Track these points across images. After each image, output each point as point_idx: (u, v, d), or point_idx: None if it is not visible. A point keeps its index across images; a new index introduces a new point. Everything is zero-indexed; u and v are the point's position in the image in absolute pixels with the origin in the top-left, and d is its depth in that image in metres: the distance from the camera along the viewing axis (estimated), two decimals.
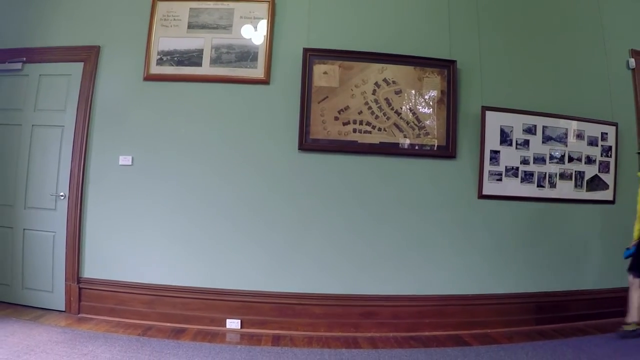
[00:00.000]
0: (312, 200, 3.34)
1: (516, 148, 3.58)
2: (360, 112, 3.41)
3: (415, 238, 3.40)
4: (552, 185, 3.65)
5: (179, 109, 3.39)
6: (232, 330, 3.21)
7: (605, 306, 3.70)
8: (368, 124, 3.41)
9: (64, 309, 3.37)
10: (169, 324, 3.24)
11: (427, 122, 3.48)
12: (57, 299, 3.39)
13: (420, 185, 3.44)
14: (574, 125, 3.71)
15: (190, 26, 3.45)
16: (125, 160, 3.38)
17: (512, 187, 3.57)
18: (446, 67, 3.50)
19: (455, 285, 3.43)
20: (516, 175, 3.58)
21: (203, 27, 3.44)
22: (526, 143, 3.60)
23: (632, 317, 3.21)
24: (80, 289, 3.35)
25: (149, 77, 3.42)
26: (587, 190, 3.74)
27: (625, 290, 3.78)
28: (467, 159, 3.52)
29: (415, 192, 3.43)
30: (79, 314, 3.34)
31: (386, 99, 3.45)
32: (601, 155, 3.77)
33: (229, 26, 3.44)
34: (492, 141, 3.53)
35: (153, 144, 3.38)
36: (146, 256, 3.33)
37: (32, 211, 3.47)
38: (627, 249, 3.36)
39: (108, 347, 2.73)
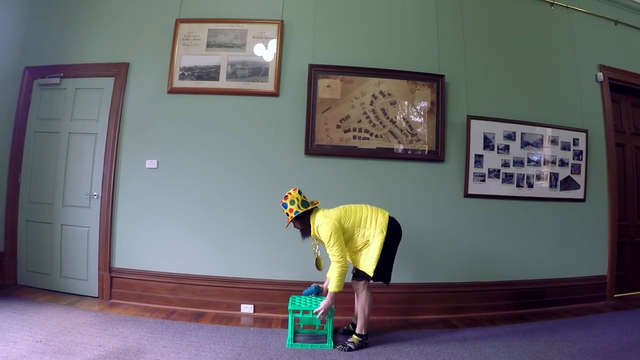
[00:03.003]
0: (317, 198, 3.33)
1: (498, 152, 3.58)
2: (359, 121, 3.41)
3: (408, 232, 3.37)
4: (530, 185, 3.65)
5: (199, 118, 3.40)
6: (246, 314, 3.21)
7: (577, 293, 3.70)
8: (366, 131, 3.41)
9: (97, 295, 3.37)
10: (190, 309, 3.24)
11: (419, 130, 3.47)
12: (91, 286, 3.39)
13: (412, 185, 3.43)
14: (548, 132, 3.70)
15: (209, 45, 3.45)
16: (151, 163, 3.38)
17: (494, 187, 3.56)
18: (435, 80, 3.49)
19: (444, 274, 3.42)
20: (498, 177, 3.57)
21: (220, 46, 3.45)
22: (506, 148, 3.60)
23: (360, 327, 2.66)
24: (111, 277, 3.35)
25: (172, 90, 3.42)
26: (560, 190, 3.73)
27: (595, 279, 3.79)
28: (454, 162, 3.51)
29: (407, 192, 3.42)
30: (110, 299, 3.34)
31: (382, 109, 3.45)
32: (573, 159, 3.76)
33: (243, 45, 3.45)
34: (477, 146, 3.53)
35: (176, 149, 3.38)
36: (170, 248, 3.33)
37: (69, 209, 3.47)
38: (308, 288, 2.81)
39: (136, 329, 2.74)
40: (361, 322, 2.64)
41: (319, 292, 2.79)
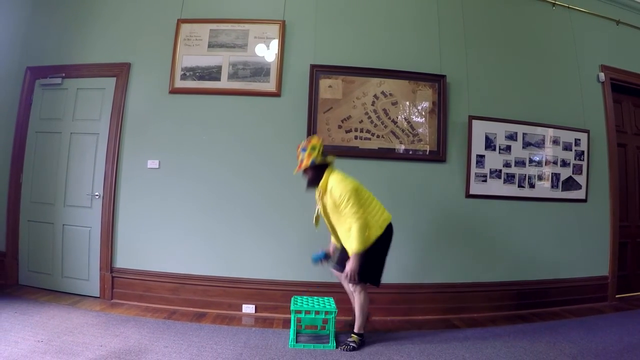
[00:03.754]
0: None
1: (499, 153, 3.57)
2: (361, 121, 3.41)
3: (409, 233, 3.39)
4: (531, 185, 3.64)
5: (200, 118, 3.39)
6: (248, 315, 3.21)
7: (578, 293, 3.69)
8: (368, 131, 3.40)
9: (98, 295, 3.37)
10: (191, 309, 3.24)
11: (420, 130, 3.47)
12: (93, 286, 3.39)
13: (414, 185, 3.43)
14: (550, 132, 3.70)
15: (210, 45, 3.45)
16: (153, 163, 3.38)
17: (496, 187, 3.55)
18: (437, 81, 3.49)
19: (446, 274, 3.42)
20: (499, 177, 3.56)
21: (221, 46, 3.45)
22: (508, 148, 3.59)
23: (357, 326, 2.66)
24: (113, 277, 3.35)
25: (174, 91, 3.42)
26: (562, 190, 3.72)
27: (597, 279, 3.78)
28: (455, 162, 3.50)
29: (409, 192, 3.42)
30: (111, 299, 3.34)
31: (384, 110, 3.44)
32: (575, 159, 3.76)
33: (244, 45, 3.44)
34: (478, 147, 3.52)
35: (178, 149, 3.38)
36: (171, 248, 3.33)
37: (71, 209, 3.47)
38: (317, 254, 2.76)
39: (137, 329, 2.74)
40: (359, 321, 2.64)
41: (327, 257, 2.73)
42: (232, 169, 3.36)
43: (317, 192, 2.61)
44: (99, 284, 3.37)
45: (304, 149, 2.54)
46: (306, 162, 2.50)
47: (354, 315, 2.72)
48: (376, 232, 2.55)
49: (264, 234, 3.32)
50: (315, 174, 2.55)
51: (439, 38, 3.57)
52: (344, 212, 2.47)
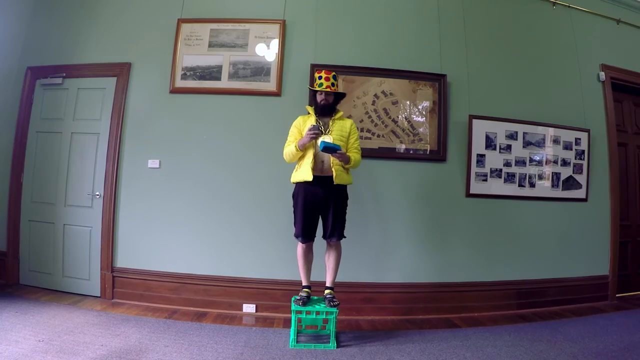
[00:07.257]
0: None
1: (500, 152, 3.56)
2: (361, 121, 3.40)
3: (410, 232, 3.39)
4: (532, 185, 3.63)
5: (201, 118, 3.39)
6: (248, 314, 3.20)
7: (579, 292, 3.69)
8: (368, 131, 3.40)
9: (99, 295, 3.37)
10: (192, 308, 3.23)
11: (421, 129, 3.46)
12: (93, 286, 3.39)
13: (414, 185, 3.42)
14: (551, 132, 3.69)
15: (211, 45, 3.45)
16: (153, 163, 3.38)
17: (496, 186, 3.55)
18: (437, 80, 3.48)
19: (446, 274, 3.41)
20: (500, 176, 3.56)
21: (222, 45, 3.44)
22: (508, 147, 3.58)
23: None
24: (113, 277, 3.35)
25: (174, 90, 3.41)
26: (562, 190, 3.72)
27: (597, 278, 3.78)
28: (456, 161, 3.50)
29: (410, 191, 3.41)
30: (112, 299, 3.33)
31: (384, 109, 3.44)
32: (575, 158, 3.75)
33: (245, 45, 3.44)
34: (478, 146, 3.51)
35: (178, 149, 3.37)
36: (172, 248, 3.32)
37: (72, 208, 3.47)
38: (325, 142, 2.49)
39: (138, 329, 2.73)
40: (334, 276, 2.78)
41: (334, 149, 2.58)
42: (232, 168, 3.36)
43: (312, 121, 2.70)
44: (100, 284, 3.36)
45: (334, 77, 2.72)
46: (334, 88, 2.70)
47: (329, 273, 2.79)
48: (350, 179, 2.75)
49: (265, 233, 3.31)
50: (334, 100, 2.75)
51: (439, 37, 3.56)
52: (350, 144, 2.71)
